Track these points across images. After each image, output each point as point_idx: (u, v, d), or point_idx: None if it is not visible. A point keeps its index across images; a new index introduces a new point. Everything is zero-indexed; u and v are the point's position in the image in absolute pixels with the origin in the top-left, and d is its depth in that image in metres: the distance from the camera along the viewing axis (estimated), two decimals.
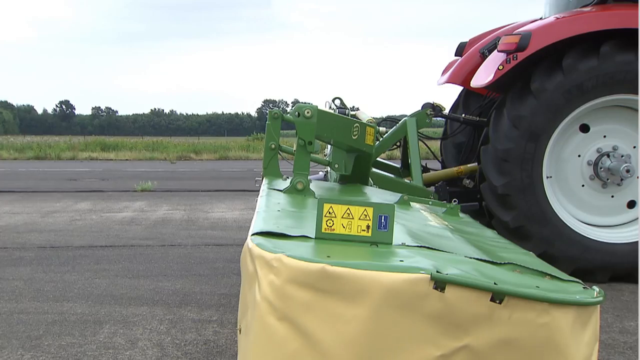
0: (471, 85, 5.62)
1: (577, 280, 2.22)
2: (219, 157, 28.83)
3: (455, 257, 2.29)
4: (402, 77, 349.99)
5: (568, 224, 5.05)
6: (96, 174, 18.01)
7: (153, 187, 12.98)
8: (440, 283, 1.97)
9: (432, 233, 2.88)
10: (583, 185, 5.19)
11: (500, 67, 4.97)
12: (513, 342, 2.00)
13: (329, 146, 4.79)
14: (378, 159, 5.86)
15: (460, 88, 6.45)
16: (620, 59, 4.82)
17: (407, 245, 2.36)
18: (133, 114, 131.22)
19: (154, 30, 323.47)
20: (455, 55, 6.51)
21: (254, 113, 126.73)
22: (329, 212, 2.33)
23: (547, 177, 5.07)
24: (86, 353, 3.46)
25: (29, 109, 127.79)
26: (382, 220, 2.32)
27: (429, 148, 6.64)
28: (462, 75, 6.13)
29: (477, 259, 2.30)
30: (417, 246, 2.37)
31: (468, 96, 6.40)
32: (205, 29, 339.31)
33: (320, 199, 2.33)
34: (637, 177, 5.08)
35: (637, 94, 4.87)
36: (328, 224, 2.32)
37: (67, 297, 4.61)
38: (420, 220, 3.24)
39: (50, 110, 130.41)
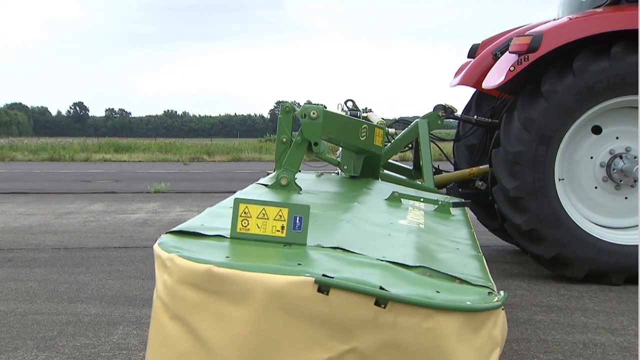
0: (483, 86, 5.61)
1: (488, 285, 2.20)
2: (231, 158, 28.87)
3: (364, 260, 2.27)
4: (415, 79, 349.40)
5: (581, 226, 5.02)
6: (110, 175, 18.10)
7: (166, 189, 13.03)
8: (324, 286, 1.96)
9: (374, 233, 2.87)
10: (596, 187, 5.17)
11: (512, 69, 4.96)
12: (398, 347, 1.99)
13: (341, 148, 4.81)
14: (390, 160, 5.86)
15: (472, 90, 6.44)
16: (631, 60, 4.79)
17: (322, 247, 2.34)
18: (146, 116, 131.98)
19: (166, 32, 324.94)
20: (468, 57, 6.50)
21: (266, 114, 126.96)
22: (245, 212, 2.32)
23: (559, 180, 5.05)
24: (100, 354, 3.49)
25: (43, 111, 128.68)
26: (297, 221, 2.32)
27: (440, 150, 6.63)
28: (474, 76, 6.11)
29: (389, 261, 2.27)
30: (332, 247, 2.35)
31: (481, 98, 6.39)
32: (218, 31, 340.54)
33: (236, 199, 2.33)
34: (635, 180, 5.04)
35: None
36: (243, 223, 2.32)
37: (81, 298, 4.65)
38: (381, 218, 3.23)
39: (64, 112, 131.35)
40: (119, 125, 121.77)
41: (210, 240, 2.32)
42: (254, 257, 2.16)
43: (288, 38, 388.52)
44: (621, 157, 5.08)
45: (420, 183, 5.26)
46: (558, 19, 5.54)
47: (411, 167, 6.07)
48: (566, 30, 4.92)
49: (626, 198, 5.17)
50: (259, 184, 3.79)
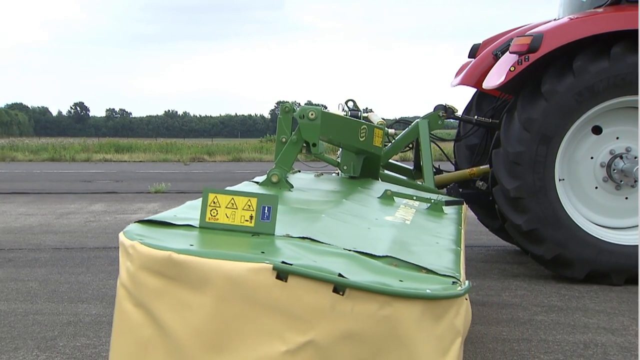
0: (483, 86, 5.62)
1: (455, 275, 2.18)
2: (232, 158, 28.89)
3: (330, 249, 2.27)
4: (416, 79, 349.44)
5: (581, 227, 5.02)
6: (110, 175, 18.11)
7: (167, 189, 13.04)
8: (282, 273, 1.96)
9: (352, 226, 2.87)
10: (596, 188, 5.17)
11: (512, 69, 4.96)
12: (357, 337, 1.98)
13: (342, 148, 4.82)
14: (390, 160, 5.86)
15: (473, 90, 6.44)
16: (631, 60, 4.79)
17: (290, 237, 2.34)
18: (147, 116, 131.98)
19: (167, 32, 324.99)
20: (469, 57, 6.50)
21: (267, 115, 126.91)
22: (214, 202, 2.33)
23: (560, 180, 5.05)
24: (101, 354, 3.49)
25: (44, 111, 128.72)
26: (265, 211, 2.32)
27: (441, 150, 6.63)
28: (475, 76, 6.11)
29: (356, 251, 2.27)
30: (300, 237, 2.35)
31: (481, 98, 6.39)
32: (219, 31, 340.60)
33: (205, 189, 2.33)
34: (635, 180, 5.04)
35: None
36: (212, 213, 2.32)
37: (82, 298, 4.65)
38: (366, 214, 3.22)
39: (64, 112, 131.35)
40: (119, 125, 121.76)
41: (180, 230, 2.33)
42: (218, 246, 2.16)
43: (288, 38, 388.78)
44: (621, 157, 5.09)
45: (420, 183, 5.26)
46: (559, 19, 5.54)
47: (412, 167, 6.07)
48: (566, 31, 4.92)
49: (626, 198, 5.17)
50: (252, 181, 3.80)
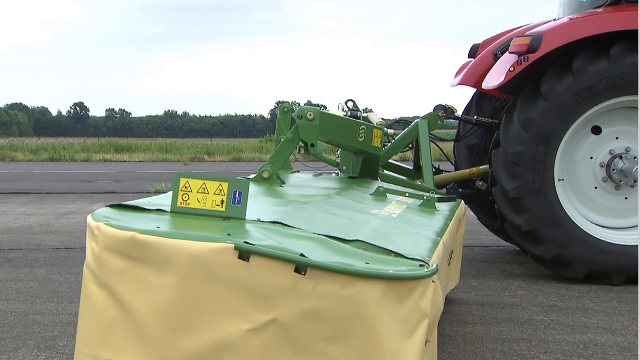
0: (483, 87, 5.61)
1: (424, 259, 2.17)
2: (232, 158, 28.86)
3: (299, 233, 2.28)
4: (416, 79, 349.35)
5: (581, 227, 5.03)
6: (110, 175, 18.10)
7: (167, 189, 13.02)
8: (245, 253, 1.97)
9: (333, 215, 2.87)
10: (596, 188, 5.17)
11: (512, 69, 4.96)
12: (319, 316, 1.99)
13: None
14: (390, 160, 5.86)
15: (473, 90, 6.44)
16: (630, 60, 4.79)
17: (261, 221, 2.35)
18: (147, 116, 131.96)
19: (167, 32, 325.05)
20: (469, 57, 6.50)
21: (267, 115, 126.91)
22: (186, 187, 2.34)
23: (559, 180, 5.05)
24: None
25: (44, 111, 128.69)
26: (237, 196, 2.33)
27: (441, 150, 6.63)
28: (475, 77, 6.11)
29: (326, 236, 2.28)
30: (271, 222, 2.36)
31: (481, 98, 6.39)
32: (218, 31, 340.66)
33: (178, 174, 2.35)
34: (635, 181, 5.04)
35: None
36: (184, 198, 2.34)
37: None
38: (352, 207, 3.22)
39: (64, 112, 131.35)
40: (119, 125, 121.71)
41: (151, 215, 2.33)
42: (185, 228, 2.17)
43: (289, 38, 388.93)
44: (621, 158, 5.09)
45: (420, 183, 5.26)
46: (559, 19, 5.54)
47: (412, 168, 6.07)
48: (566, 31, 4.92)
49: (626, 198, 5.17)
50: (245, 178, 3.79)
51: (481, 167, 5.81)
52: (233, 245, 1.98)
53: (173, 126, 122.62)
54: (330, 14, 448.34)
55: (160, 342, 2.03)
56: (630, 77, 4.80)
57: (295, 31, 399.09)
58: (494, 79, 5.23)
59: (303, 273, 1.97)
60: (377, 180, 4.71)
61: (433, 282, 2.08)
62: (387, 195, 3.82)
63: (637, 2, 4.97)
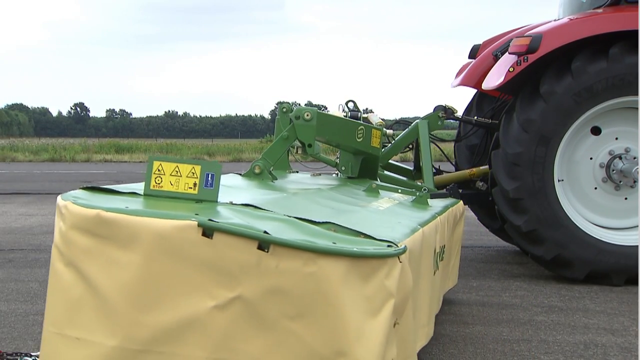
0: (483, 87, 5.62)
1: (390, 240, 2.16)
2: (232, 159, 28.89)
3: (269, 215, 2.28)
4: (416, 79, 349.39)
5: (581, 227, 5.03)
6: (111, 176, 18.11)
7: None
8: (208, 230, 1.99)
9: (313, 203, 2.87)
10: (596, 188, 5.17)
11: (511, 69, 4.96)
12: (282, 292, 2.00)
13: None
14: (390, 161, 5.86)
15: (474, 90, 6.45)
16: (629, 60, 4.79)
17: (233, 204, 2.36)
18: (147, 116, 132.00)
19: (167, 32, 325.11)
20: (469, 58, 6.50)
21: (267, 115, 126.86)
22: (159, 170, 2.35)
23: (559, 181, 5.05)
24: None
25: (44, 112, 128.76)
26: (209, 178, 2.33)
27: (441, 150, 6.63)
28: (475, 77, 6.11)
29: (296, 217, 2.28)
30: (242, 205, 2.36)
31: (481, 98, 6.39)
32: (219, 32, 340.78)
33: (151, 157, 2.36)
34: (634, 181, 5.04)
35: None
36: (157, 181, 2.34)
37: None
38: (339, 198, 3.21)
39: (65, 113, 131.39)
40: (119, 125, 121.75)
41: (123, 197, 2.34)
42: (154, 208, 2.18)
43: (289, 38, 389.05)
44: (621, 158, 5.09)
45: (420, 184, 5.26)
46: (558, 19, 5.54)
47: (412, 168, 6.07)
48: (566, 31, 4.93)
49: (626, 199, 5.17)
50: (237, 174, 3.79)
51: (481, 168, 5.81)
52: (196, 223, 1.99)
53: (173, 126, 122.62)
54: (330, 14, 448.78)
55: (126, 319, 2.05)
56: (629, 77, 4.81)
57: (295, 31, 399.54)
58: (494, 79, 5.23)
59: (266, 250, 1.98)
60: (376, 180, 4.71)
61: (400, 262, 2.07)
62: (380, 191, 3.82)
63: (636, 2, 4.97)
